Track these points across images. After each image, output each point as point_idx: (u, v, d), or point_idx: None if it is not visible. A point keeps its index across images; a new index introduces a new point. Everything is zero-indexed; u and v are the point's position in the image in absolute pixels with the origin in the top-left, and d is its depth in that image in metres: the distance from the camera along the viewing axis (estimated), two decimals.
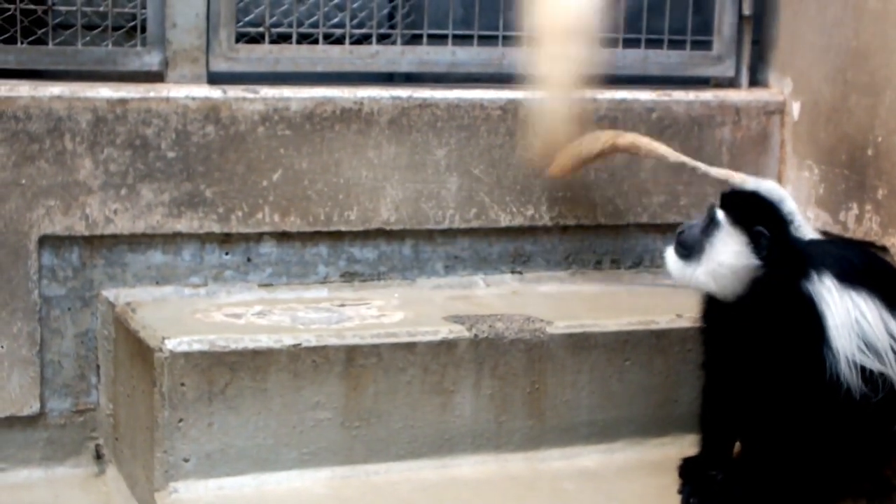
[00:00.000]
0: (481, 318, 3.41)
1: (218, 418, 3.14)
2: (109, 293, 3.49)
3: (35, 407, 3.44)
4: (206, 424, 3.13)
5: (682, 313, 3.49)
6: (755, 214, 3.10)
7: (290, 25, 3.66)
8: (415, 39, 3.81)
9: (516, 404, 3.39)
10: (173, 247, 3.55)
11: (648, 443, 3.50)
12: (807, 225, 3.55)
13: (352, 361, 3.23)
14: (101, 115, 3.42)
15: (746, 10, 4.05)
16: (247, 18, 3.62)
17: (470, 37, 3.82)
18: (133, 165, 3.46)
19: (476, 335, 3.34)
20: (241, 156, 3.55)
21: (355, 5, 3.72)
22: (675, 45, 4.03)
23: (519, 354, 3.38)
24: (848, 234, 3.77)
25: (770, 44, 4.12)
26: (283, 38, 3.66)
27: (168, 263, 3.55)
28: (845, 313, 3.05)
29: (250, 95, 3.55)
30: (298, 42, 3.66)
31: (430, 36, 3.78)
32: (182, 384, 3.11)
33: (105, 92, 3.43)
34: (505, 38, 3.83)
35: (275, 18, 3.65)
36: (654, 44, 4.01)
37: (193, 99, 3.49)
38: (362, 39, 3.74)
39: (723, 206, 3.14)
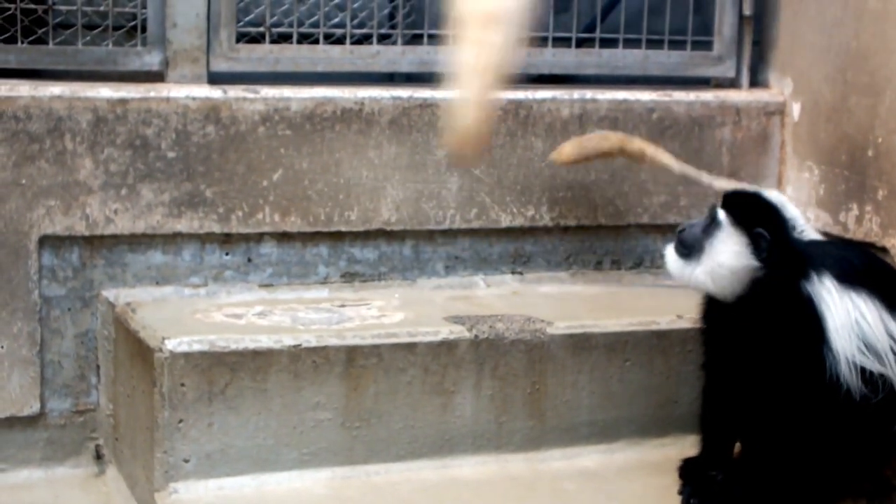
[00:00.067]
0: (482, 319, 3.41)
1: (218, 418, 3.14)
2: (109, 293, 3.48)
3: (35, 407, 3.44)
4: (206, 425, 3.13)
5: (683, 314, 3.49)
6: (756, 216, 3.10)
7: (291, 25, 3.66)
8: (415, 39, 3.81)
9: (517, 405, 3.39)
10: (173, 247, 3.55)
11: (649, 443, 3.50)
12: (811, 229, 3.54)
13: (352, 362, 3.23)
14: (102, 114, 3.42)
15: (747, 11, 4.05)
16: (247, 18, 3.62)
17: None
18: (133, 165, 3.46)
19: (476, 336, 3.34)
20: (241, 156, 3.55)
21: (356, 5, 3.72)
22: (676, 45, 4.03)
23: (519, 355, 3.38)
24: (848, 235, 3.77)
25: (770, 44, 4.12)
26: (284, 38, 3.65)
27: (168, 263, 3.55)
28: (845, 314, 3.05)
29: (251, 95, 3.55)
30: (299, 42, 3.66)
31: (430, 36, 3.78)
32: (182, 384, 3.11)
33: (105, 92, 3.43)
34: None
35: (275, 18, 3.65)
36: (654, 44, 4.01)
37: (194, 99, 3.49)
38: (363, 39, 3.74)
39: (724, 207, 3.14)
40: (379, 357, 3.25)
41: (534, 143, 3.80)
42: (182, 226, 3.52)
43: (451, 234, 3.79)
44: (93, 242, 3.47)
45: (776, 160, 4.06)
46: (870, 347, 3.05)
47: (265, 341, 3.18)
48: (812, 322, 3.04)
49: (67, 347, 3.49)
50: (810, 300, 3.05)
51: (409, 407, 3.29)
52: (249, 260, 3.62)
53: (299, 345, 3.19)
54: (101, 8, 3.50)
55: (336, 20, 3.70)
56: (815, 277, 3.07)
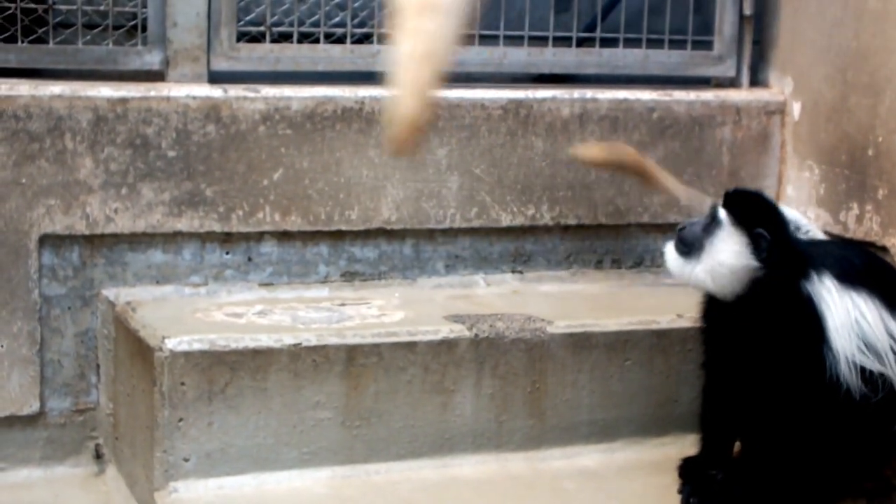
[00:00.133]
0: (482, 318, 3.41)
1: (218, 418, 3.14)
2: (110, 292, 3.48)
3: (35, 406, 3.44)
4: (206, 424, 3.13)
5: (683, 313, 3.49)
6: (757, 215, 3.10)
7: (292, 24, 3.66)
8: None
9: (517, 404, 3.39)
10: (174, 246, 3.55)
11: (649, 442, 3.50)
12: (813, 229, 3.53)
13: (352, 361, 3.23)
14: (102, 114, 3.42)
15: (747, 10, 4.05)
16: (248, 17, 3.62)
17: (470, 36, 3.82)
18: (133, 164, 3.46)
19: (477, 335, 3.34)
20: (241, 155, 3.55)
21: (356, 4, 3.72)
22: (676, 44, 4.03)
23: (519, 354, 3.38)
24: (848, 235, 3.76)
25: (771, 44, 4.12)
26: (285, 38, 3.65)
27: (168, 263, 3.55)
28: (845, 314, 3.05)
29: (251, 95, 3.55)
30: (299, 41, 3.66)
31: None
32: (182, 383, 3.11)
33: (106, 91, 3.43)
34: (506, 37, 3.84)
35: (276, 17, 3.65)
36: (654, 43, 4.01)
37: (194, 98, 3.49)
38: (363, 39, 3.74)
39: (725, 206, 3.14)
40: (379, 356, 3.25)
41: (534, 143, 3.80)
42: (182, 225, 3.52)
43: (451, 233, 3.79)
44: (93, 241, 3.47)
45: (776, 159, 4.06)
46: (870, 347, 3.05)
47: (265, 340, 3.18)
48: (812, 321, 3.04)
49: (67, 346, 3.49)
50: (810, 299, 3.05)
51: (409, 406, 3.29)
52: (250, 259, 3.62)
53: (299, 344, 3.19)
54: (102, 7, 3.50)
55: (337, 19, 3.70)
56: (815, 277, 3.07)
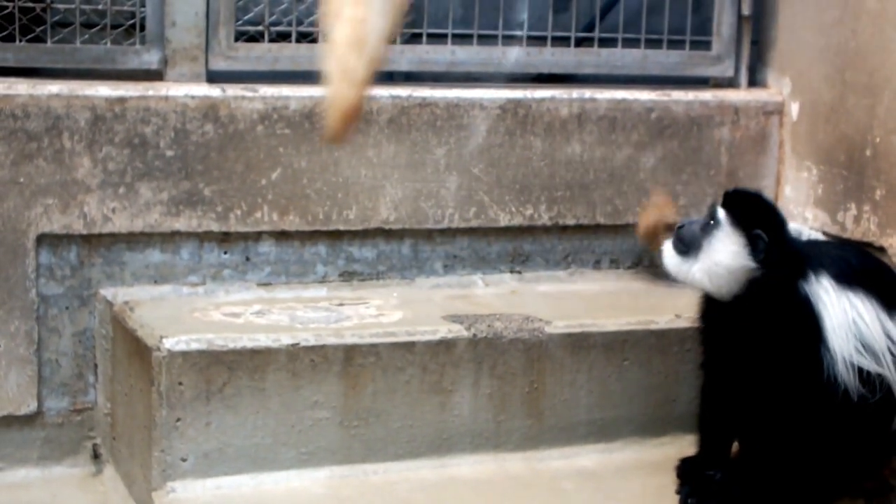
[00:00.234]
0: (480, 318, 3.41)
1: (216, 417, 3.14)
2: (107, 292, 3.48)
3: (32, 406, 3.44)
4: (203, 424, 3.13)
5: (681, 313, 3.49)
6: (755, 216, 3.10)
7: (290, 24, 3.66)
8: (414, 38, 3.80)
9: (515, 404, 3.39)
10: (172, 245, 3.54)
11: (647, 442, 3.50)
12: (811, 229, 3.52)
13: (350, 361, 3.23)
14: (100, 113, 3.41)
15: (745, 10, 4.05)
16: (246, 17, 3.62)
17: (469, 36, 3.82)
18: (131, 164, 3.45)
19: (475, 335, 3.34)
20: (239, 154, 3.54)
21: None
22: (675, 44, 4.03)
23: (518, 354, 3.37)
24: (846, 235, 3.77)
25: (769, 44, 4.12)
26: (283, 37, 3.65)
27: (166, 262, 3.54)
28: (842, 314, 3.05)
29: (249, 94, 3.55)
30: (298, 41, 3.66)
31: (429, 35, 3.77)
32: (180, 383, 3.10)
33: (104, 90, 3.43)
34: (505, 37, 3.84)
35: (274, 17, 3.65)
36: (653, 44, 4.01)
37: (192, 97, 3.49)
38: None
39: (724, 206, 3.14)
40: (377, 356, 3.25)
41: (532, 143, 3.80)
42: (180, 224, 3.51)
43: (449, 233, 3.78)
44: (91, 241, 3.46)
45: (775, 160, 4.06)
46: (867, 347, 3.05)
47: (263, 340, 3.18)
48: (809, 322, 3.05)
49: (65, 346, 3.48)
50: (808, 300, 3.05)
51: (408, 406, 3.29)
52: (248, 259, 3.62)
53: (297, 344, 3.19)
54: (100, 6, 3.50)
55: None
56: (812, 277, 3.07)
